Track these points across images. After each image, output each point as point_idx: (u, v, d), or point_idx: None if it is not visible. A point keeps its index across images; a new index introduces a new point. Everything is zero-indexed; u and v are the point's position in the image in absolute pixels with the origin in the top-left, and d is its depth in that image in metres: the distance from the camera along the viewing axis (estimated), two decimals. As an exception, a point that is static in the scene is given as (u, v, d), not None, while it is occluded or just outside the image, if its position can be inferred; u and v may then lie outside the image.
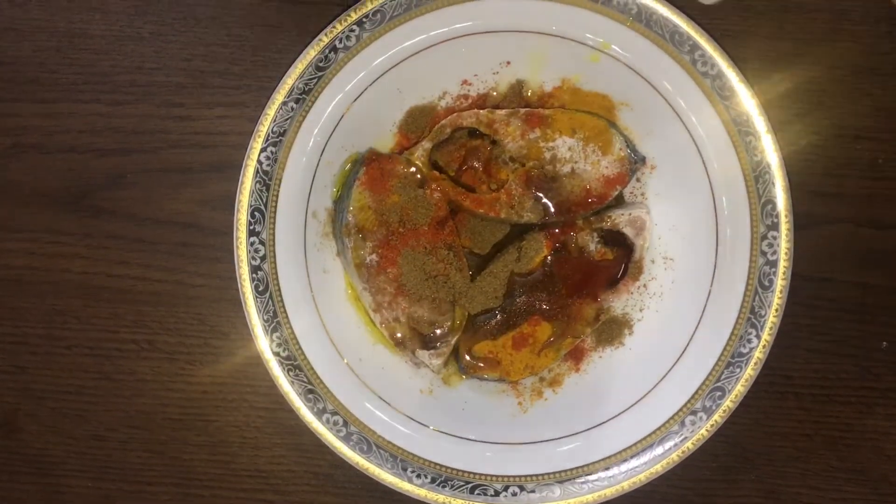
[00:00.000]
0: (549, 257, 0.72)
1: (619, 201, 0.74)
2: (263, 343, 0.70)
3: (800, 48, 0.75)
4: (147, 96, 0.77)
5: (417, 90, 0.73)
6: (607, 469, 0.70)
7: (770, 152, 0.68)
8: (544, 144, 0.72)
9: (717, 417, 0.69)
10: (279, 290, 0.70)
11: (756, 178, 0.68)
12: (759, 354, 0.69)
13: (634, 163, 0.72)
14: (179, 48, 0.77)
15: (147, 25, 0.77)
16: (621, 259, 0.73)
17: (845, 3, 0.74)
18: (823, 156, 0.75)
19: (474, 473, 0.70)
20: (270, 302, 0.70)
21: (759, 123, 0.68)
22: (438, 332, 0.72)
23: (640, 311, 0.74)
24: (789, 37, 0.75)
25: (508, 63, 0.73)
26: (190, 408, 0.77)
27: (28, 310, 0.77)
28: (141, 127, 0.77)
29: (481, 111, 0.72)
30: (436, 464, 0.70)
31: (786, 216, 0.68)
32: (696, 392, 0.70)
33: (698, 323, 0.71)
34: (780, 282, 0.68)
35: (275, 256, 0.70)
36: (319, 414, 0.70)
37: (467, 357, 0.73)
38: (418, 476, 0.70)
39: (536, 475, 0.70)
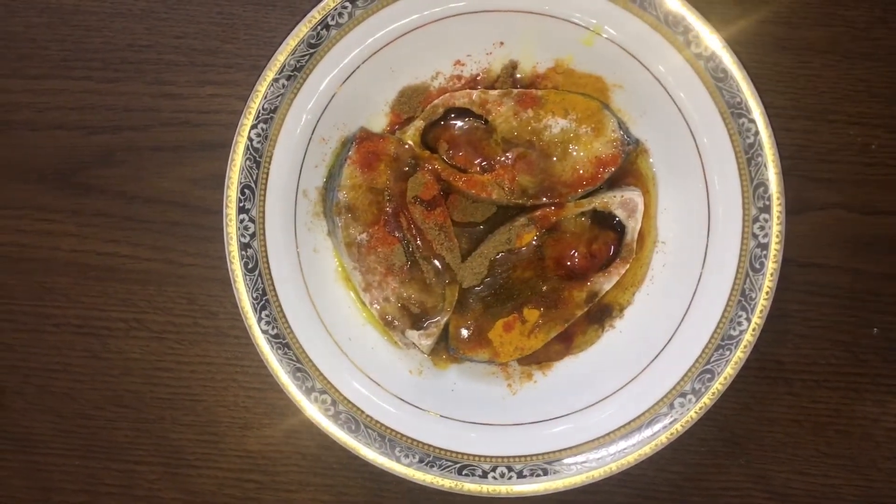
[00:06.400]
0: (539, 239, 0.72)
1: (612, 183, 0.73)
2: (252, 320, 0.69)
3: (794, 33, 0.75)
4: (138, 74, 0.76)
5: (410, 69, 0.73)
6: (596, 451, 0.70)
7: (763, 134, 0.68)
8: (537, 125, 0.71)
9: (706, 400, 0.69)
10: (268, 267, 0.70)
11: (749, 160, 0.68)
12: (748, 337, 0.69)
13: (627, 144, 0.71)
14: (171, 26, 0.76)
15: (139, 2, 0.76)
16: (612, 241, 0.73)
17: (840, -12, 0.75)
18: (817, 140, 0.75)
19: (462, 454, 0.70)
20: (259, 280, 0.69)
21: (753, 106, 0.68)
22: (428, 312, 0.72)
23: (632, 293, 0.74)
24: (783, 21, 0.75)
25: (502, 43, 0.73)
26: (178, 387, 0.77)
27: (16, 287, 0.77)
28: (132, 105, 0.77)
29: (474, 91, 0.72)
30: (424, 444, 0.70)
31: (778, 198, 0.68)
32: (686, 374, 0.69)
33: (689, 306, 0.70)
34: (771, 265, 0.68)
35: (264, 234, 0.70)
36: (308, 392, 0.70)
37: (457, 338, 0.72)
38: (406, 456, 0.70)
39: (525, 456, 0.70)
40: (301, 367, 0.70)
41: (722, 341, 0.69)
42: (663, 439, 0.69)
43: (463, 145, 0.73)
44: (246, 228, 0.69)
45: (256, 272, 0.69)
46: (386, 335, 0.74)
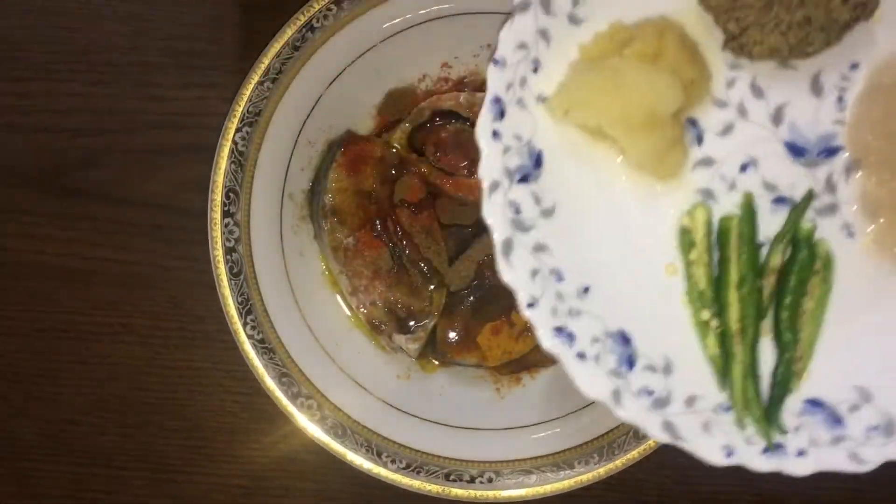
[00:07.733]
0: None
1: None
2: (238, 325, 0.69)
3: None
4: (123, 76, 0.76)
5: (397, 72, 0.72)
6: (583, 455, 0.69)
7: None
8: (524, 128, 0.71)
9: (695, 404, 0.68)
10: (254, 272, 0.69)
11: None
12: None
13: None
14: (156, 28, 0.76)
15: (124, 4, 0.76)
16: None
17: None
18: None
19: (450, 459, 0.70)
20: (245, 284, 0.69)
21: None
22: (416, 316, 0.71)
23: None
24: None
25: (489, 45, 0.72)
26: (164, 392, 0.77)
27: (1, 291, 0.76)
28: (117, 107, 0.76)
29: (461, 94, 0.72)
30: (411, 449, 0.70)
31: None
32: (674, 378, 0.69)
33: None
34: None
35: (249, 238, 0.69)
36: (294, 398, 0.69)
37: (444, 342, 0.72)
38: (393, 461, 0.69)
39: (512, 461, 0.69)
40: (287, 372, 0.69)
41: (710, 345, 0.69)
42: (652, 443, 0.69)
43: (450, 148, 0.72)
44: (231, 232, 0.69)
45: (242, 276, 0.69)
46: (373, 339, 0.73)
